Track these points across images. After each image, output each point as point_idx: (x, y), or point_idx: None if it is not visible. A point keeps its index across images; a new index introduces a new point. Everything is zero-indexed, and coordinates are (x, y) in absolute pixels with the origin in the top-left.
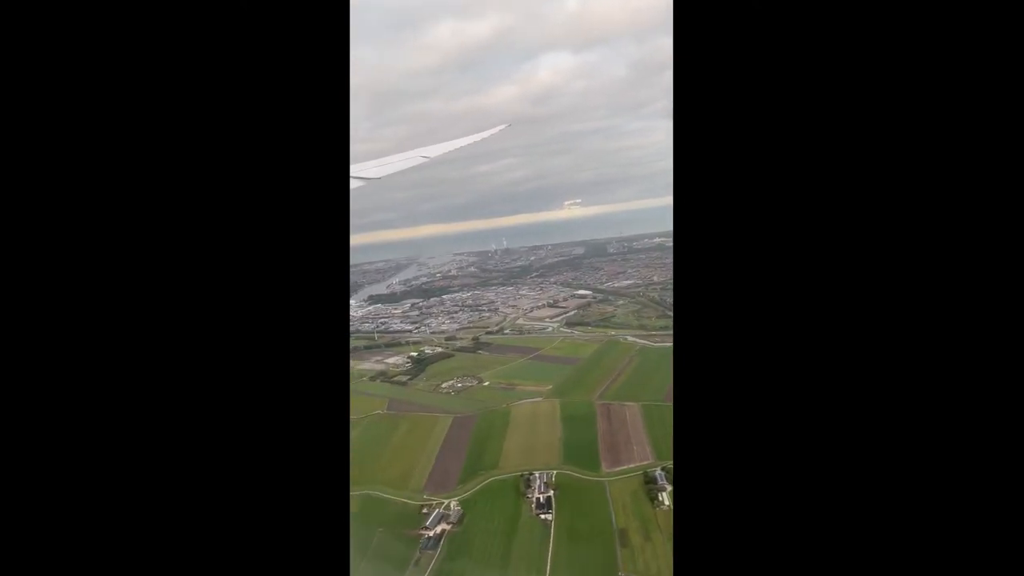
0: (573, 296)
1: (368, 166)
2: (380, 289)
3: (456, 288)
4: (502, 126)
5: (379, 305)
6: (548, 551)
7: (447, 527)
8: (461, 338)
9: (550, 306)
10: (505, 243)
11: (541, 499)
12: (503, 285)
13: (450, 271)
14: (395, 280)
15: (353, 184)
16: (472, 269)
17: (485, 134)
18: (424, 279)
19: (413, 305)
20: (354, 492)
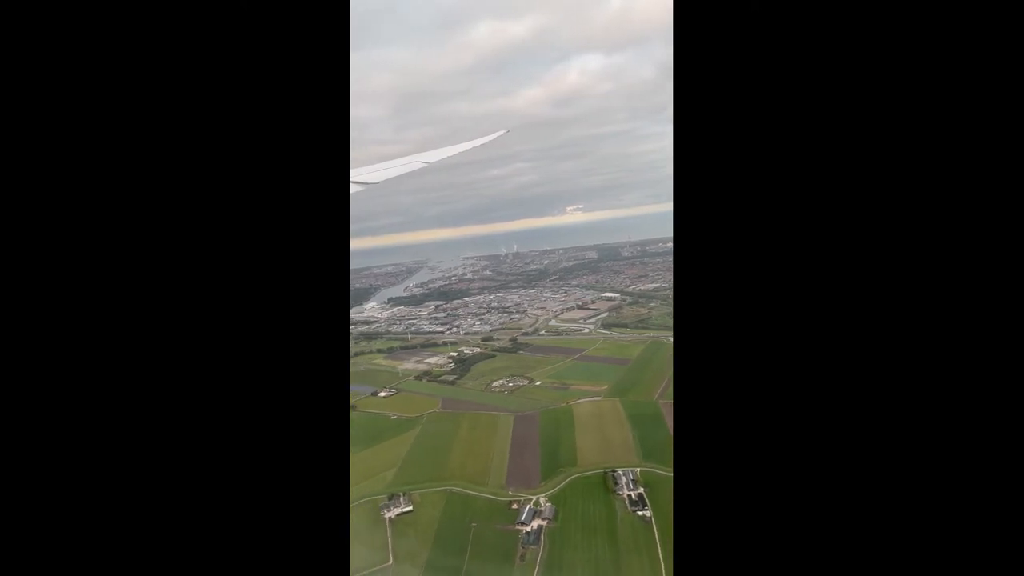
0: (601, 298)
1: (368, 171)
2: (398, 292)
3: (476, 291)
4: (501, 131)
5: (402, 307)
6: (657, 548)
7: (543, 523)
8: (497, 339)
9: (579, 308)
10: (516, 247)
11: (633, 496)
12: (524, 288)
13: (465, 274)
14: (411, 283)
15: (352, 189)
16: (487, 272)
17: (485, 139)
18: (440, 282)
19: (437, 307)
20: (435, 488)
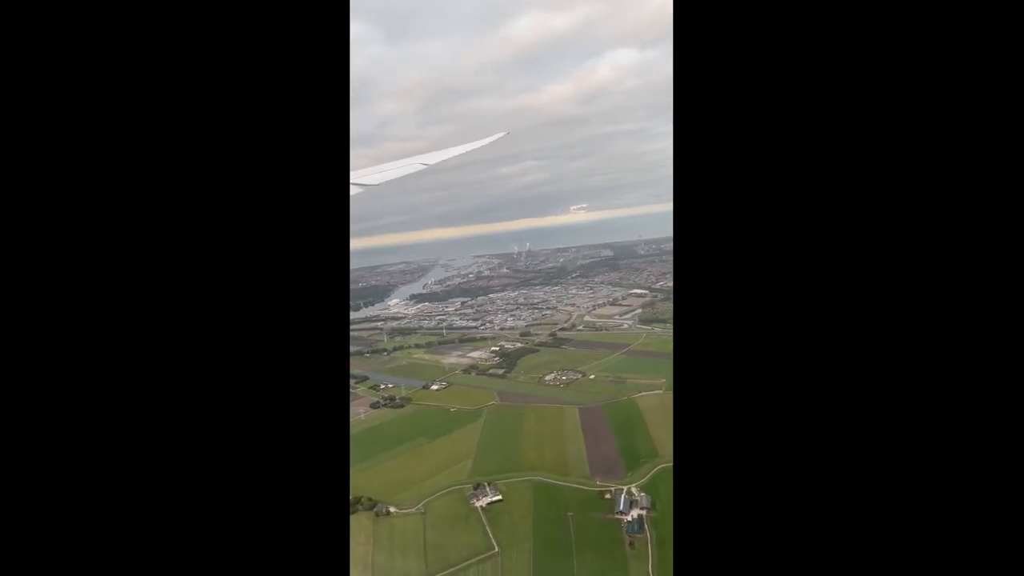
0: (630, 295)
1: (368, 172)
2: (417, 289)
3: (497, 288)
4: (501, 133)
5: (427, 304)
6: None
7: (642, 512)
8: (536, 334)
9: (611, 304)
10: (528, 245)
11: None
12: (547, 285)
13: (482, 272)
14: (429, 280)
15: (352, 191)
16: (504, 270)
17: (484, 141)
18: (459, 279)
19: (464, 304)
20: (518, 477)
